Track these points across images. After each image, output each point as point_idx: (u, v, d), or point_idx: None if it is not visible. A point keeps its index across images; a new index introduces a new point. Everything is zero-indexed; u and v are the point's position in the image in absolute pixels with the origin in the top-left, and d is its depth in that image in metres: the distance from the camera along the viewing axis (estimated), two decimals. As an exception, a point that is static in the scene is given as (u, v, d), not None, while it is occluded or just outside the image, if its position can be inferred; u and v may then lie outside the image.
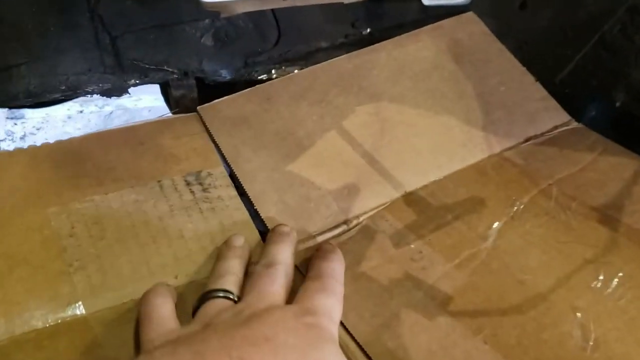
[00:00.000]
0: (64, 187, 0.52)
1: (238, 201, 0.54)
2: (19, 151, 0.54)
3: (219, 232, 0.52)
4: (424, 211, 0.55)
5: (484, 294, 0.47)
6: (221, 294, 0.44)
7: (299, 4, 0.53)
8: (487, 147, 0.61)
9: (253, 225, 0.53)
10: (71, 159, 0.54)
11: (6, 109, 1.47)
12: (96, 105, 1.80)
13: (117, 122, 1.73)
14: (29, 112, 1.78)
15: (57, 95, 0.61)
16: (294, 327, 0.39)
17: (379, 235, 0.53)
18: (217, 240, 0.51)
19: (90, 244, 0.49)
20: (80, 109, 1.81)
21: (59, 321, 0.45)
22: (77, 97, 0.63)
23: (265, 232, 0.53)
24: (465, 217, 0.54)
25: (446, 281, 0.48)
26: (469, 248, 0.51)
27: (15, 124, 1.67)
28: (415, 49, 0.68)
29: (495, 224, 0.53)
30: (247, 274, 0.48)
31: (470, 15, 0.72)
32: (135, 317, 0.45)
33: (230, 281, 0.46)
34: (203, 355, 0.37)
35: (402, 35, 0.69)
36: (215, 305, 0.43)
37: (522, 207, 0.54)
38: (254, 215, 0.54)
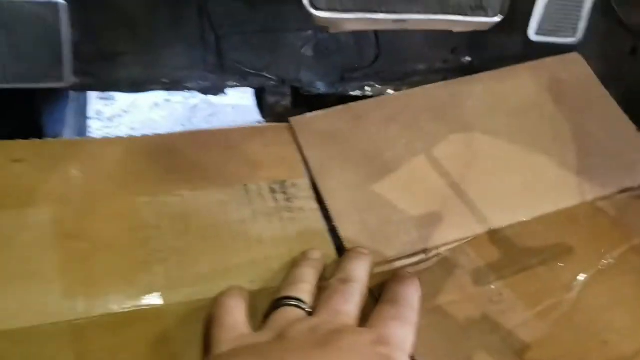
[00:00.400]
0: (155, 180, 0.53)
1: (318, 214, 0.54)
2: (116, 140, 0.56)
3: (296, 242, 0.52)
4: (508, 252, 0.53)
5: (564, 348, 0.45)
6: (294, 302, 0.44)
7: (408, 27, 0.53)
8: (579, 193, 0.59)
9: (330, 240, 0.53)
10: (165, 154, 0.55)
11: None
12: (183, 96, 1.86)
13: (200, 115, 1.79)
14: (119, 95, 1.86)
15: (157, 87, 0.63)
16: (368, 356, 0.39)
17: (458, 270, 0.51)
18: (294, 249, 0.51)
19: (173, 237, 0.50)
20: (168, 97, 1.87)
21: (135, 308, 0.46)
22: (175, 90, 0.65)
23: (340, 247, 0.53)
24: (550, 264, 0.52)
25: (525, 329, 0.46)
26: (551, 297, 0.49)
27: (106, 105, 1.74)
28: (514, 85, 0.66)
29: (582, 276, 0.51)
30: (320, 288, 0.47)
31: (575, 55, 0.69)
32: (207, 317, 0.45)
33: (304, 290, 0.46)
34: None
35: (502, 69, 0.67)
36: (287, 314, 0.43)
37: (611, 261, 0.52)
38: (332, 231, 0.54)
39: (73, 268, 0.47)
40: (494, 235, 0.54)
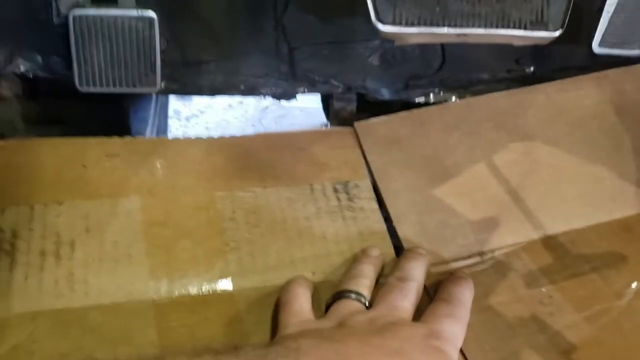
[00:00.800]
0: (231, 176, 0.58)
1: (379, 215, 0.58)
2: (198, 140, 0.62)
3: (357, 240, 0.56)
4: (561, 257, 0.55)
5: (609, 352, 0.47)
6: (354, 296, 0.48)
7: (470, 41, 0.56)
8: (637, 204, 0.60)
9: (389, 240, 0.56)
10: (241, 154, 0.60)
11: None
12: (254, 98, 1.92)
13: (270, 116, 1.86)
14: (196, 96, 1.95)
15: (235, 93, 0.69)
16: (422, 347, 0.42)
17: (512, 273, 0.54)
18: (355, 247, 0.55)
19: (246, 230, 0.55)
20: (241, 100, 1.95)
21: (210, 292, 0.51)
22: (251, 96, 0.70)
23: (398, 247, 0.56)
24: (603, 271, 0.53)
25: (572, 331, 0.48)
26: (601, 303, 0.50)
27: (184, 105, 1.84)
28: (577, 95, 0.67)
29: (634, 284, 0.52)
30: (379, 285, 0.51)
31: (640, 67, 0.70)
32: (275, 301, 0.50)
33: (363, 284, 0.50)
34: (345, 357, 0.41)
35: (565, 80, 0.69)
36: (348, 305, 0.47)
37: (666, 272, 0.53)
38: (391, 231, 0.57)
39: (158, 253, 0.52)
40: (548, 241, 0.57)
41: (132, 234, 0.53)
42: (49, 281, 0.49)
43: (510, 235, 0.57)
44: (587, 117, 0.66)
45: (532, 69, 0.73)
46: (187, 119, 1.72)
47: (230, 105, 1.77)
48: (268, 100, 1.84)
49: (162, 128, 1.30)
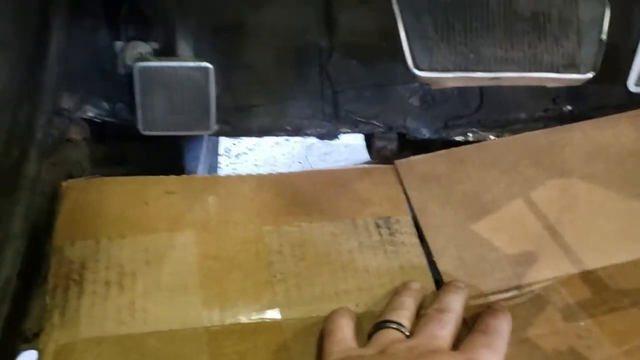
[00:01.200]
0: (279, 211, 0.62)
1: (419, 249, 0.61)
2: (248, 177, 0.66)
3: (398, 273, 0.58)
4: (600, 292, 0.56)
5: (648, 384, 0.47)
6: (395, 326, 0.51)
7: (503, 83, 0.58)
8: (677, 239, 0.60)
9: (429, 273, 0.59)
10: (288, 190, 0.64)
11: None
12: (305, 141, 1.98)
13: (316, 153, 1.91)
14: (245, 139, 2.01)
15: (282, 134, 0.73)
16: None
17: (549, 306, 0.55)
18: (396, 280, 0.58)
19: (292, 262, 0.58)
20: (287, 137, 2.00)
21: (259, 321, 0.54)
22: (297, 136, 0.74)
23: (438, 280, 0.58)
24: (642, 306, 0.54)
25: (610, 364, 0.49)
26: (640, 337, 0.51)
27: (234, 144, 1.91)
28: (614, 133, 0.69)
29: (674, 319, 0.53)
30: (419, 316, 0.53)
31: (678, 105, 0.71)
32: (320, 331, 0.53)
33: (404, 316, 0.52)
34: None
35: (601, 118, 0.70)
36: (389, 335, 0.50)
37: None
38: (432, 265, 0.59)
39: (211, 284, 0.56)
40: (587, 276, 0.58)
41: (187, 266, 0.57)
42: (112, 309, 0.53)
43: (548, 270, 0.58)
44: (624, 154, 0.67)
45: (569, 108, 0.75)
46: (237, 156, 1.78)
47: (277, 143, 1.83)
48: (314, 138, 1.90)
49: (213, 165, 1.36)
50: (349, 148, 1.77)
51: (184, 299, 0.55)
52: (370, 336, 0.51)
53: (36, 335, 0.52)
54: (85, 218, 0.60)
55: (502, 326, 0.51)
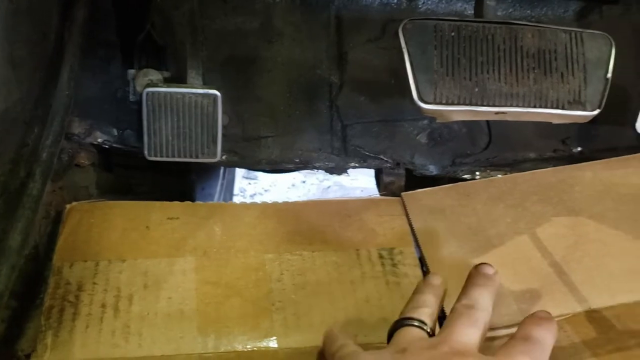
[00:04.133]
0: (281, 240, 0.62)
1: (422, 282, 0.59)
2: (252, 205, 0.66)
3: (399, 305, 0.57)
4: (606, 331, 0.54)
5: None
6: (416, 323, 0.47)
7: (508, 118, 0.58)
8: (688, 281, 0.59)
9: (432, 308, 0.57)
10: (291, 218, 0.64)
11: (244, 170, 1.71)
12: (317, 179, 2.00)
13: (332, 196, 1.91)
14: (261, 175, 2.04)
15: (290, 166, 0.73)
16: None
17: (554, 344, 0.53)
18: (397, 312, 0.56)
19: (292, 291, 0.57)
20: (304, 179, 2.02)
21: (255, 349, 0.53)
22: (305, 169, 0.75)
23: (441, 317, 0.57)
24: (649, 347, 0.52)
25: (615, 404, 0.47)
26: (647, 378, 0.49)
27: (249, 184, 1.93)
28: (624, 174, 0.68)
29: (683, 361, 0.51)
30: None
31: (690, 148, 0.70)
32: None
33: (426, 313, 0.48)
34: None
35: (612, 159, 0.70)
36: (410, 333, 0.46)
37: None
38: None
39: (208, 310, 0.56)
40: (593, 315, 0.56)
41: (186, 291, 0.57)
42: (107, 332, 0.53)
43: (554, 307, 0.56)
44: (634, 195, 0.66)
45: (578, 149, 0.75)
46: (252, 196, 1.79)
47: (293, 185, 1.84)
48: (330, 180, 1.90)
49: (227, 204, 1.36)
50: (365, 192, 1.76)
51: (180, 324, 0.54)
52: (390, 336, 0.48)
53: (28, 356, 0.52)
54: (86, 240, 0.60)
55: (545, 336, 0.45)
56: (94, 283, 0.57)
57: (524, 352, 0.43)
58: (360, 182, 1.74)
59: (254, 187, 1.82)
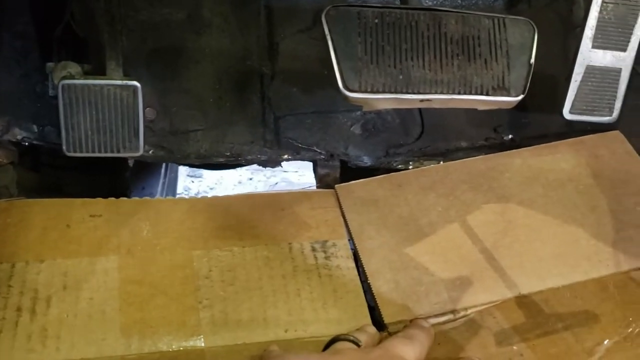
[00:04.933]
0: (210, 235, 0.60)
1: (354, 273, 0.59)
2: (180, 200, 0.64)
3: (331, 298, 0.56)
4: (534, 316, 0.55)
5: (578, 407, 0.46)
6: (352, 338, 0.50)
7: (435, 106, 0.58)
8: (613, 264, 0.60)
9: (363, 298, 0.57)
10: (221, 213, 0.62)
11: (188, 168, 1.67)
12: (265, 175, 1.97)
13: (278, 194, 1.86)
14: (206, 173, 2.00)
15: (221, 160, 0.72)
16: None
17: (484, 330, 0.54)
18: (328, 305, 0.56)
19: (220, 288, 0.56)
20: (251, 176, 1.99)
21: (181, 348, 0.52)
22: (237, 163, 0.73)
23: (373, 307, 0.56)
24: (575, 329, 0.53)
25: (541, 387, 0.47)
26: (572, 360, 0.50)
27: (193, 182, 1.89)
28: (553, 160, 0.69)
29: (606, 342, 0.51)
30: None
31: (616, 134, 0.72)
32: None
33: (362, 335, 0.51)
34: None
35: (541, 145, 0.71)
36: (345, 344, 0.49)
37: (638, 330, 0.52)
38: (366, 289, 0.58)
39: (131, 310, 0.53)
40: (522, 300, 0.56)
41: (108, 291, 0.54)
42: (22, 336, 0.50)
43: (484, 294, 0.57)
44: (563, 180, 0.67)
45: (510, 136, 0.75)
46: (197, 195, 1.75)
47: (240, 182, 1.81)
48: (278, 177, 1.89)
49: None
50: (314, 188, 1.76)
51: (102, 325, 0.52)
52: (325, 349, 0.50)
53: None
54: (2, 240, 0.57)
55: (425, 339, 0.51)
56: (9, 286, 0.54)
57: (406, 344, 0.49)
58: (308, 178, 1.73)
59: (198, 185, 1.79)
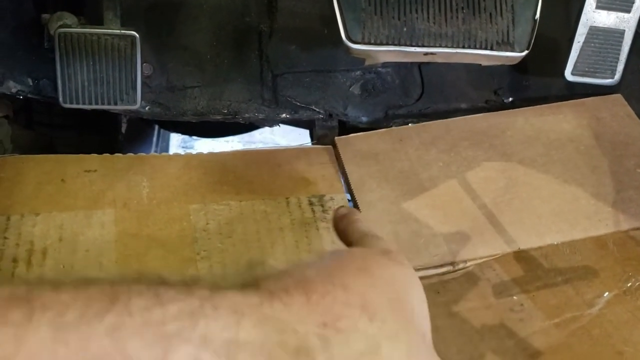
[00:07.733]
0: (207, 190, 0.59)
1: (353, 228, 0.58)
2: (175, 156, 0.63)
3: (329, 248, 0.56)
4: (534, 269, 0.55)
5: (577, 356, 0.46)
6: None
7: (438, 60, 0.57)
8: (613, 223, 0.60)
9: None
10: (218, 169, 0.61)
11: (180, 138, 1.66)
12: (262, 143, 1.94)
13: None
14: (198, 144, 1.97)
15: (218, 117, 0.71)
16: (385, 264, 0.34)
17: (483, 282, 0.53)
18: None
19: (218, 240, 0.55)
20: (243, 147, 1.96)
21: (179, 299, 0.51)
22: (234, 120, 0.72)
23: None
24: (575, 282, 0.53)
25: (541, 337, 0.47)
26: (572, 311, 0.50)
27: (185, 151, 1.86)
28: (554, 120, 0.68)
29: (606, 294, 0.51)
30: None
31: (617, 97, 0.71)
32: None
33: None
34: (307, 281, 0.38)
35: (543, 105, 0.70)
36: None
37: (637, 284, 0.52)
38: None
39: (128, 261, 0.53)
40: (521, 255, 0.56)
41: (105, 243, 0.54)
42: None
43: (483, 248, 0.57)
44: (564, 140, 0.67)
45: (510, 99, 0.75)
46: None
47: (232, 148, 1.79)
48: (272, 144, 1.87)
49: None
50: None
51: (97, 277, 0.51)
52: None
53: None
54: (-3, 193, 0.56)
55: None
56: (5, 237, 0.53)
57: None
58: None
59: (190, 152, 1.77)
